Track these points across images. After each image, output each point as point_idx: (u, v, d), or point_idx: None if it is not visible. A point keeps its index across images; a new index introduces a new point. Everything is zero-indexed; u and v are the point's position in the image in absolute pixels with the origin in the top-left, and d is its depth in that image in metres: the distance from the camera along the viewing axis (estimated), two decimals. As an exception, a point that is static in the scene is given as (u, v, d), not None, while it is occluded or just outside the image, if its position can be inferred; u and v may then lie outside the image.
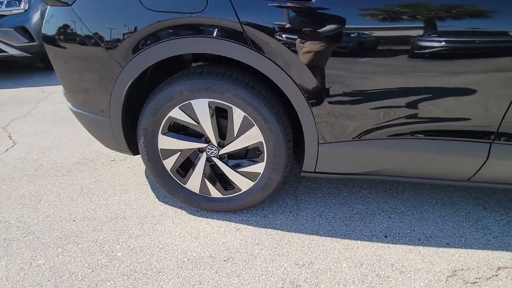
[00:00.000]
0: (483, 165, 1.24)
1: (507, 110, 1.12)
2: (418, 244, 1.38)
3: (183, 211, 1.60)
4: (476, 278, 1.21)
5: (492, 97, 1.11)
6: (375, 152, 1.28)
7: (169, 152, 1.45)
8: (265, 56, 1.15)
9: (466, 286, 1.17)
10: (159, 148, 1.44)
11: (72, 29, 1.27)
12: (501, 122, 1.15)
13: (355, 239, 1.41)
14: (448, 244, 1.38)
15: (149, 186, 1.81)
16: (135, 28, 1.18)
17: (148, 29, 1.17)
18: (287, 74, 1.16)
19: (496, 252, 1.33)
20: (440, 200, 1.67)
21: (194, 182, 1.50)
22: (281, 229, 1.47)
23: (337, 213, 1.58)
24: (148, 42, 1.19)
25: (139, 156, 1.64)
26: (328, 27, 1.08)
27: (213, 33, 1.15)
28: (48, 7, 1.35)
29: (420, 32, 1.07)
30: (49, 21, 1.33)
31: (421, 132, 1.21)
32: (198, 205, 1.55)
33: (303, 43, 1.11)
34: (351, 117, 1.21)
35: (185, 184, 1.52)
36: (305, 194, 1.73)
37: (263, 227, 1.48)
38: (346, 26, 1.08)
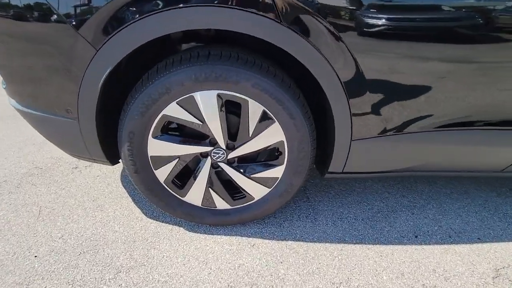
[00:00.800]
0: (523, 154, 1.15)
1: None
2: (451, 242, 1.27)
3: (181, 228, 1.31)
4: (520, 276, 1.13)
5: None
6: (416, 146, 1.11)
7: (162, 160, 1.13)
8: (298, 34, 0.89)
9: (514, 287, 1.09)
10: (149, 156, 1.12)
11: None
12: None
13: (386, 243, 1.26)
14: (479, 239, 1.29)
15: (130, 199, 1.47)
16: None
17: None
18: (324, 56, 0.92)
19: (526, 243, 1.28)
20: (454, 189, 1.60)
21: (195, 194, 1.21)
22: (302, 240, 1.27)
23: (358, 214, 1.42)
24: (138, 13, 0.85)
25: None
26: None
27: (234, 1, 0.85)
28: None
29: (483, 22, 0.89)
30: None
31: (470, 122, 1.06)
32: (201, 220, 1.28)
33: (352, 20, 0.87)
34: (394, 108, 1.02)
35: (184, 196, 1.22)
36: (317, 194, 1.54)
37: (282, 240, 1.26)
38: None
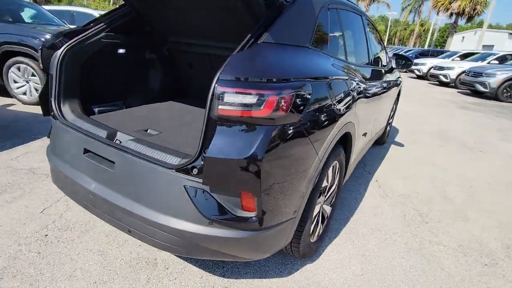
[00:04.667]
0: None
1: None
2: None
3: (298, 268, 1.86)
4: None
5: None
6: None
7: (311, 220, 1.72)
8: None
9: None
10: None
11: (298, 139, 1.24)
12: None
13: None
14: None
15: (254, 272, 1.70)
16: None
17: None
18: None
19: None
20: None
21: (316, 234, 1.86)
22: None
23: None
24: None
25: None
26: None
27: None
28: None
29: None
30: (278, 142, 1.13)
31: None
32: (316, 250, 1.91)
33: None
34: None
35: (313, 239, 1.83)
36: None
37: (352, 249, 2.20)
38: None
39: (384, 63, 3.17)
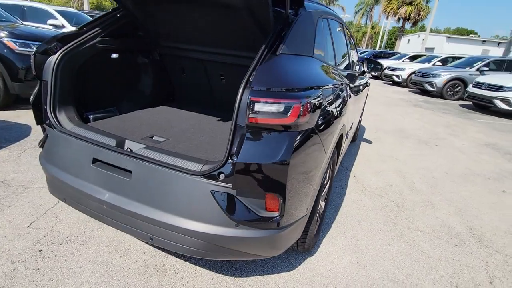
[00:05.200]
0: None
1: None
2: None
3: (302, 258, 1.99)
4: (363, 187, 3.11)
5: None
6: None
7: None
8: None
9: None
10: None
11: (313, 142, 1.35)
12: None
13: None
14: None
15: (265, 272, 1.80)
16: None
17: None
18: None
19: (349, 178, 3.32)
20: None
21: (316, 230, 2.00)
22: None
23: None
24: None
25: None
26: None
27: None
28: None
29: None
30: (299, 146, 1.20)
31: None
32: (315, 244, 2.05)
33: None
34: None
35: (313, 236, 1.96)
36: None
37: (347, 241, 2.37)
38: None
39: (358, 66, 3.42)
